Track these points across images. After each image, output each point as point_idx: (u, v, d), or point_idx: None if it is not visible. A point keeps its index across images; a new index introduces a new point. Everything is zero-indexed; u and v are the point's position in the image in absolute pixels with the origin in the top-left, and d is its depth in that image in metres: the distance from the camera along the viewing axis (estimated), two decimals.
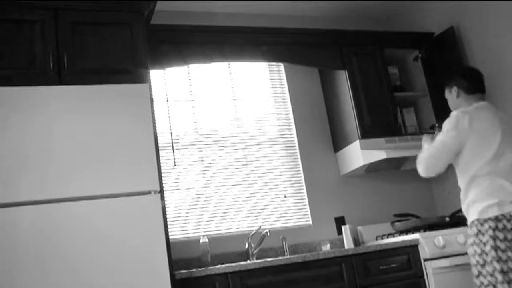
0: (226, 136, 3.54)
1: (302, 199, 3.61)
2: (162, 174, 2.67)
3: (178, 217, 3.26)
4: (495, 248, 2.24)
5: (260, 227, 3.25)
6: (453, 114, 2.49)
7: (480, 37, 3.52)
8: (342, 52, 3.61)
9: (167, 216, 3.15)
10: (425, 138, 2.69)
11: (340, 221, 3.60)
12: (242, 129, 3.60)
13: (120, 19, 2.74)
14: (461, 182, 2.49)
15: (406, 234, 3.22)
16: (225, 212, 3.38)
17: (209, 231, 3.30)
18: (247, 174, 3.52)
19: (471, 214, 2.40)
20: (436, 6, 3.86)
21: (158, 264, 2.31)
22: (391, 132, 3.52)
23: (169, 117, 3.32)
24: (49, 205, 2.23)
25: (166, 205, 2.64)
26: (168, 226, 2.59)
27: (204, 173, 3.41)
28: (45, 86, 2.39)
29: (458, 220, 3.28)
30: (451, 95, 2.64)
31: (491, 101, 2.67)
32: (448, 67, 3.61)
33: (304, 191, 3.62)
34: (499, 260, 2.23)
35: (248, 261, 2.87)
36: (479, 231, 2.32)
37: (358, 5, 3.99)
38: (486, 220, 2.30)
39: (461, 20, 3.65)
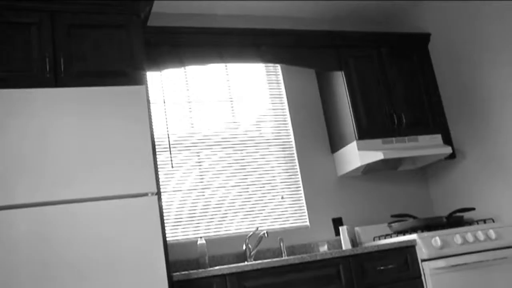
0: (223, 138, 3.55)
1: (299, 200, 3.61)
2: (159, 176, 2.66)
3: (175, 218, 3.26)
4: None
5: (257, 228, 3.25)
6: None
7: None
8: (339, 53, 3.62)
9: (164, 218, 3.18)
10: None
11: (337, 222, 3.60)
12: (239, 130, 3.61)
13: (116, 21, 2.74)
14: None
15: (404, 234, 3.22)
16: (222, 214, 3.38)
17: (207, 232, 3.30)
18: (245, 176, 3.52)
19: None
20: (434, 7, 3.86)
21: (156, 266, 2.31)
22: (388, 133, 3.53)
23: (166, 118, 3.32)
24: (45, 208, 2.23)
25: (163, 207, 2.63)
26: (166, 228, 2.59)
27: (201, 175, 3.41)
28: (42, 89, 2.38)
29: (455, 220, 3.30)
30: None
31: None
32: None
33: (302, 192, 3.62)
34: None
35: (246, 263, 2.87)
36: None
37: (355, 7, 3.99)
38: None
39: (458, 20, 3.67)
